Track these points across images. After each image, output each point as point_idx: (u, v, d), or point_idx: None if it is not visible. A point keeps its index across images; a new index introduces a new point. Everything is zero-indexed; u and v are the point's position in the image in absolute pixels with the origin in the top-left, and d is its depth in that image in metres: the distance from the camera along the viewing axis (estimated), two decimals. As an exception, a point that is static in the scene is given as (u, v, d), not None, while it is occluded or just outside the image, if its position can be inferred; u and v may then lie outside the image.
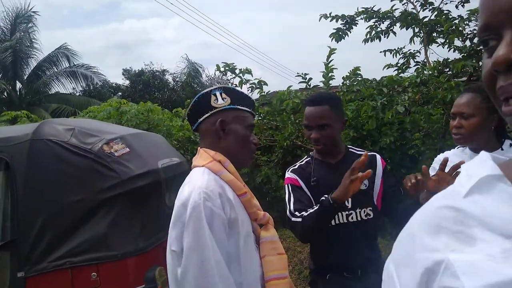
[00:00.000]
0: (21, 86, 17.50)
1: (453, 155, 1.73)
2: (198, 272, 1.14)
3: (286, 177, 1.83)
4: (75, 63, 18.02)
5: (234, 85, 4.97)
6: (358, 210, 1.71)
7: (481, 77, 0.47)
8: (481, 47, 0.46)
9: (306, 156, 1.89)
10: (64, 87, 18.03)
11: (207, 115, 1.39)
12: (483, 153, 0.50)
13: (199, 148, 1.44)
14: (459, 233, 0.45)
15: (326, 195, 1.57)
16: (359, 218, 1.70)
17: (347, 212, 1.69)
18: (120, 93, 20.56)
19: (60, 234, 2.02)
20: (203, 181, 1.25)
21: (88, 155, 2.05)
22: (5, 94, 16.71)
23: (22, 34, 17.19)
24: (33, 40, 17.59)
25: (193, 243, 1.16)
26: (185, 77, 21.23)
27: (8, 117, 6.34)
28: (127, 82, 21.56)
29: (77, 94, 19.15)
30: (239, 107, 1.40)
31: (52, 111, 15.69)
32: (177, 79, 21.77)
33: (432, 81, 3.89)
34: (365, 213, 1.71)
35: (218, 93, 1.40)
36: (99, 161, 2.04)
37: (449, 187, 0.51)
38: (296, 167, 1.84)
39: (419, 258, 0.47)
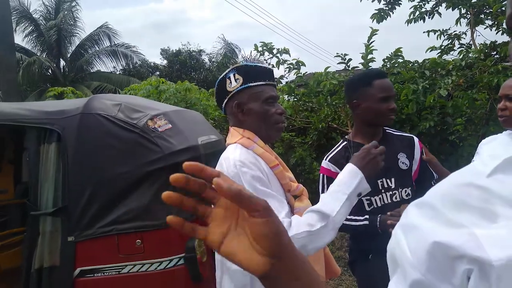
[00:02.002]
0: (64, 64, 18.20)
1: (498, 143, 1.70)
2: None
3: (322, 165, 1.83)
4: (116, 42, 18.51)
5: (271, 66, 4.96)
6: (400, 190, 1.73)
7: None
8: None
9: (341, 141, 1.89)
10: (105, 65, 18.63)
11: (226, 100, 1.46)
12: (505, 136, 0.51)
13: (229, 127, 1.50)
14: (484, 210, 0.47)
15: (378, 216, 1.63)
16: (401, 198, 1.71)
17: (390, 192, 1.71)
18: (158, 73, 20.99)
19: (107, 203, 2.15)
20: (236, 154, 1.31)
21: (134, 129, 2.15)
22: (50, 71, 17.45)
23: (65, 12, 17.76)
24: (76, 18, 18.17)
25: None
26: (221, 58, 21.33)
27: (54, 92, 6.65)
28: (165, 61, 21.96)
29: (117, 72, 19.71)
30: (251, 84, 1.42)
31: (94, 88, 16.26)
32: (213, 60, 21.92)
33: (478, 64, 3.74)
34: (406, 193, 1.73)
35: (232, 75, 1.44)
36: (144, 136, 2.14)
37: (468, 167, 0.53)
38: (333, 154, 1.83)
39: (442, 232, 0.48)
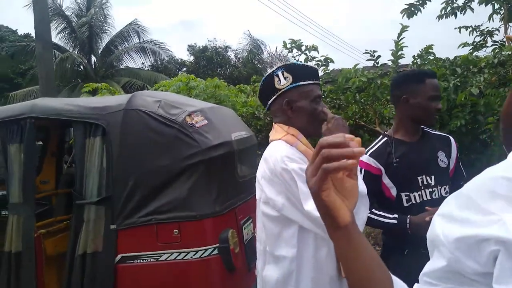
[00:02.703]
0: (95, 60, 18.73)
1: None
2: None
3: (361, 160, 1.82)
4: (144, 39, 18.88)
5: (299, 62, 5.01)
6: (439, 187, 1.77)
7: None
8: None
9: (381, 136, 1.92)
10: (134, 61, 19.06)
11: (274, 97, 1.52)
12: None
13: (274, 123, 1.58)
14: None
15: (407, 216, 1.67)
16: (440, 196, 1.76)
17: (430, 190, 1.76)
18: (184, 69, 21.29)
19: (147, 194, 2.28)
20: (282, 150, 1.39)
21: (173, 125, 2.27)
22: (82, 67, 18.01)
23: (96, 9, 18.24)
24: (107, 15, 18.64)
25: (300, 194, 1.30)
26: (246, 54, 21.44)
27: (89, 88, 6.91)
28: (192, 58, 22.24)
29: (146, 68, 20.13)
30: (301, 83, 1.49)
31: (124, 84, 16.68)
32: (238, 56, 22.05)
33: (511, 62, 3.68)
34: (445, 191, 1.78)
35: (280, 73, 1.49)
36: (183, 131, 2.26)
37: (501, 162, 0.61)
38: (374, 149, 1.86)
39: (474, 218, 0.57)
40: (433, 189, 1.77)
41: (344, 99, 4.90)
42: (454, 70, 4.02)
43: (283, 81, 1.48)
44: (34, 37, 9.18)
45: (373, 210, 1.72)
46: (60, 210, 3.22)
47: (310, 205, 1.27)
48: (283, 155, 1.36)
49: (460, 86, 3.89)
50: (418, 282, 0.68)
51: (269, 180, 1.38)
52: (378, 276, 0.64)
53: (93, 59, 18.74)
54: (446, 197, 1.73)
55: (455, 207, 0.62)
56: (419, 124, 1.83)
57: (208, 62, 20.90)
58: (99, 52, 18.63)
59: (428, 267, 0.66)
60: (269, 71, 1.54)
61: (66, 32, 18.03)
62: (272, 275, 1.42)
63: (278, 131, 1.51)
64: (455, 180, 1.85)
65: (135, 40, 18.86)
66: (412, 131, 1.83)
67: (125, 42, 18.91)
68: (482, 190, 0.58)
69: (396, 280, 0.67)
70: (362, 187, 1.32)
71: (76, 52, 17.78)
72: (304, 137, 1.48)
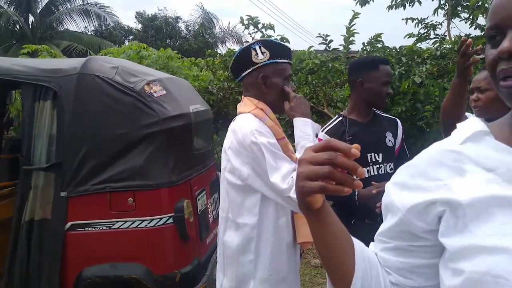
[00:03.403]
0: (33, 19, 17.30)
1: (470, 121, 1.94)
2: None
3: (319, 137, 1.99)
4: (89, 1, 17.72)
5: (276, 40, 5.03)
6: (385, 164, 1.94)
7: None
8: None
9: (337, 116, 2.07)
10: (77, 25, 17.87)
11: (249, 70, 1.56)
12: (474, 117, 0.71)
13: (243, 96, 1.63)
14: (456, 167, 0.65)
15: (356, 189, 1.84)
16: (385, 172, 1.92)
17: (378, 166, 1.92)
18: (131, 37, 20.35)
19: (102, 162, 2.24)
20: (251, 124, 1.45)
21: (131, 93, 2.23)
22: (18, 27, 16.57)
23: (36, -36, 16.76)
24: (48, -28, 17.19)
25: (268, 165, 1.38)
26: (198, 27, 20.92)
27: (28, 50, 6.43)
28: (140, 26, 21.28)
29: (89, 33, 18.95)
30: (278, 60, 1.55)
31: (64, 48, 15.61)
32: (189, 28, 21.46)
33: (451, 55, 3.99)
34: (390, 167, 1.95)
35: (257, 47, 1.54)
36: (141, 100, 2.23)
37: (447, 138, 0.71)
38: (330, 127, 2.00)
39: (423, 184, 0.67)
40: (380, 165, 1.93)
41: (297, 80, 5.02)
42: (400, 59, 4.28)
43: (260, 56, 1.52)
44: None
45: None
46: (3, 175, 3.04)
47: (275, 177, 1.36)
48: (252, 128, 1.42)
49: (404, 74, 4.15)
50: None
51: (236, 151, 1.44)
52: (344, 245, 0.72)
53: (31, 18, 17.29)
54: (390, 173, 1.93)
55: (407, 176, 0.72)
56: (372, 106, 1.98)
57: (157, 32, 20.13)
58: (38, 11, 17.21)
59: (382, 227, 0.77)
60: (246, 44, 1.58)
61: (0, -14, 16.43)
62: (232, 240, 1.49)
63: (247, 104, 1.56)
64: (399, 158, 2.03)
65: (79, 1, 17.65)
66: (365, 112, 1.98)
67: (67, 3, 17.64)
68: (430, 161, 0.69)
69: (356, 242, 0.75)
70: None
71: (11, 10, 16.29)
72: (272, 113, 1.55)
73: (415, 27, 5.34)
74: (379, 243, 0.77)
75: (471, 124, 0.69)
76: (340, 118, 2.02)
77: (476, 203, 0.59)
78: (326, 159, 0.60)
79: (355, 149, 0.60)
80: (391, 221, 0.72)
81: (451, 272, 0.61)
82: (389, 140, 1.98)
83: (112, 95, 2.23)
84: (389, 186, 0.75)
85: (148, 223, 2.22)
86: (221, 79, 6.08)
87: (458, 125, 0.72)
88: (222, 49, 20.28)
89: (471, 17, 4.56)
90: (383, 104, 1.96)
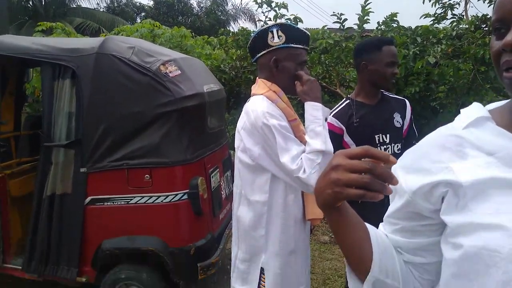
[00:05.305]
0: (46, -4, 17.28)
1: (473, 107, 1.95)
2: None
3: (327, 121, 2.01)
4: (101, -23, 17.59)
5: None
6: (393, 145, 1.97)
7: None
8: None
9: (344, 99, 2.08)
10: (89, 1, 17.79)
11: (264, 52, 1.59)
12: (476, 103, 0.75)
13: (257, 78, 1.66)
14: (458, 151, 0.69)
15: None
16: (393, 152, 1.96)
17: (385, 147, 1.95)
18: (143, 14, 20.24)
19: (119, 139, 2.32)
20: (263, 106, 1.49)
21: (147, 72, 2.28)
22: (30, 3, 16.59)
23: None
24: None
25: (278, 148, 1.43)
26: (210, 4, 20.69)
27: (43, 27, 6.48)
28: (151, 2, 21.11)
29: (101, 10, 18.90)
30: (292, 45, 1.57)
31: (77, 25, 15.62)
32: (201, 5, 21.23)
33: (467, 35, 3.93)
34: (397, 148, 1.98)
35: (275, 31, 1.56)
36: (157, 79, 2.28)
37: (451, 124, 0.75)
38: (337, 110, 2.02)
39: (428, 166, 0.71)
40: (387, 146, 1.97)
41: (310, 60, 5.00)
42: (415, 39, 4.23)
43: (276, 39, 1.55)
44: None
45: None
46: (24, 151, 3.16)
47: (285, 158, 1.42)
48: (264, 110, 1.46)
49: (419, 54, 4.11)
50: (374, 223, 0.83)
51: (249, 132, 1.49)
52: (361, 234, 0.76)
53: (43, -5, 17.27)
54: (398, 153, 1.97)
55: (413, 160, 0.76)
56: (377, 88, 1.99)
57: (169, 8, 19.96)
58: (51, -13, 17.17)
59: (390, 209, 0.81)
60: (265, 26, 1.60)
61: (12, -39, 16.35)
62: (245, 216, 1.56)
63: (261, 86, 1.60)
64: (408, 139, 2.06)
65: (91, -23, 17.53)
66: (372, 94, 2.00)
67: (79, -21, 17.54)
68: (434, 145, 0.73)
69: (370, 228, 0.79)
70: (330, 146, 1.47)
71: (24, -14, 16.31)
72: (284, 95, 1.58)
73: (432, 6, 5.22)
74: (388, 225, 0.83)
75: (474, 110, 0.73)
76: (348, 101, 2.04)
77: (476, 184, 0.64)
78: (367, 169, 0.62)
79: (393, 157, 0.63)
80: (398, 203, 0.77)
81: (451, 246, 0.67)
82: (397, 121, 2.00)
83: (128, 75, 2.29)
84: (396, 169, 0.79)
85: (164, 198, 2.31)
86: (234, 58, 6.08)
87: (462, 110, 0.76)
88: (234, 27, 20.11)
89: (489, -4, 4.44)
90: (388, 85, 1.96)
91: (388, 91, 2.09)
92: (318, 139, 1.45)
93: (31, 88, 5.45)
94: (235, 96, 6.05)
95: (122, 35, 6.30)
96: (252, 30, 6.34)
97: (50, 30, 6.75)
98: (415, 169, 0.74)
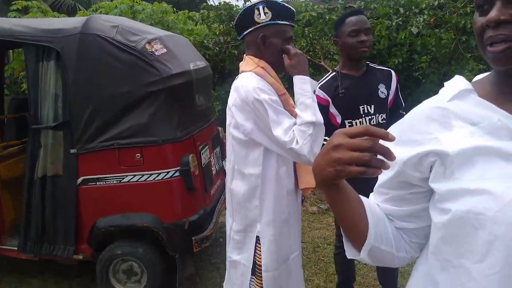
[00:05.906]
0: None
1: (457, 80, 2.01)
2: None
3: (316, 93, 2.01)
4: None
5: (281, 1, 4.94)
6: (377, 115, 2.03)
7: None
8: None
9: (331, 71, 2.13)
10: (63, -24, 17.06)
11: (251, 29, 1.60)
12: (459, 76, 0.79)
13: (245, 55, 1.69)
14: (444, 122, 0.73)
15: None
16: (377, 122, 2.02)
17: (370, 117, 2.01)
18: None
19: (108, 119, 2.33)
20: (253, 82, 1.52)
21: (132, 52, 2.27)
22: (1, -21, 15.87)
23: None
24: None
25: (271, 121, 1.47)
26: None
27: (18, 6, 6.27)
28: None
29: (76, -15, 18.18)
30: (279, 21, 1.59)
31: (52, 3, 15.07)
32: (181, -22, 20.61)
33: (449, 5, 3.97)
34: (382, 118, 2.04)
35: (261, 7, 1.58)
36: (143, 58, 2.27)
37: (435, 96, 0.79)
38: (323, 82, 2.07)
39: (416, 138, 0.76)
40: (372, 116, 2.03)
41: (294, 33, 4.99)
42: (397, 10, 4.25)
43: (262, 16, 1.56)
44: None
45: (325, 137, 1.96)
46: (10, 134, 3.13)
47: (278, 131, 1.47)
48: (255, 86, 1.50)
49: (402, 25, 4.15)
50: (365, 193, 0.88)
51: (240, 108, 1.53)
52: (357, 206, 0.80)
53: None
54: (382, 123, 2.04)
55: (401, 132, 0.80)
56: (353, 60, 2.03)
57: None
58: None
59: (381, 179, 0.86)
60: (249, 3, 1.61)
61: None
62: (239, 189, 1.62)
63: (249, 63, 1.62)
64: (395, 108, 2.13)
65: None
66: (355, 67, 2.05)
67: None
68: (421, 117, 0.78)
69: (364, 200, 0.83)
70: (320, 117, 1.52)
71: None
72: (272, 70, 1.62)
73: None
74: (379, 195, 0.87)
75: (457, 83, 0.77)
76: (334, 73, 2.09)
77: (461, 153, 0.69)
78: (367, 147, 0.65)
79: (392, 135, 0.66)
80: (388, 173, 0.82)
81: (439, 211, 0.72)
82: (382, 92, 2.05)
83: (114, 54, 2.27)
84: (384, 142, 0.84)
85: (156, 176, 2.35)
86: (217, 33, 6.01)
87: (445, 83, 0.81)
88: (215, 0, 19.65)
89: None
90: (359, 54, 1.97)
91: (363, 59, 2.10)
92: (308, 111, 1.50)
93: (9, 70, 5.33)
94: (220, 72, 6.02)
95: (100, 12, 6.14)
96: (234, 4, 6.26)
97: (25, 9, 6.53)
98: (404, 141, 0.77)
